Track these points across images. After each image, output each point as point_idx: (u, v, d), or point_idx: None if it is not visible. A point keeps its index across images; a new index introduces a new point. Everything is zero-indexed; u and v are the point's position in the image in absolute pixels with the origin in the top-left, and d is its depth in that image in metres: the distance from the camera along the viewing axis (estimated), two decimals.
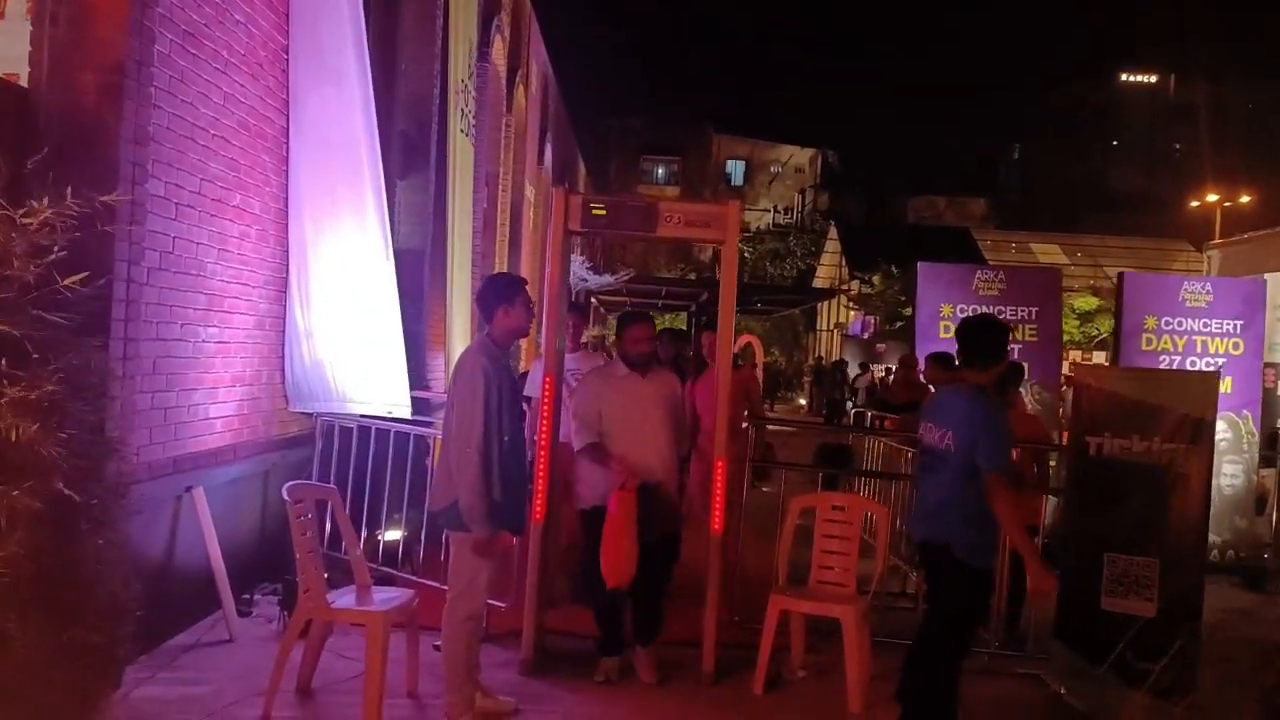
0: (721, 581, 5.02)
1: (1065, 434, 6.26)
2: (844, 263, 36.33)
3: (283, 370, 6.48)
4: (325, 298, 6.38)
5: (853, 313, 33.68)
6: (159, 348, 4.87)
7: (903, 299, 29.02)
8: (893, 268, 29.61)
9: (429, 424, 6.57)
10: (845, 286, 33.15)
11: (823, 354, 34.56)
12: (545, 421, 5.01)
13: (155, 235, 4.75)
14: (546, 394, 5.02)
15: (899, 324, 28.69)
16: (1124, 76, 68.73)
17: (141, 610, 3.92)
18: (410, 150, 9.30)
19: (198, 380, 5.32)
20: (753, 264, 41.16)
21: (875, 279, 31.07)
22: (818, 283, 38.26)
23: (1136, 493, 5.10)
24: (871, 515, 5.51)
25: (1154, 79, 68.74)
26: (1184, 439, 5.03)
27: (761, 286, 31.83)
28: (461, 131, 10.65)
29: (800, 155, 54.92)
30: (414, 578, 5.98)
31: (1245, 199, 26.98)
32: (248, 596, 5.79)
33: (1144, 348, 8.69)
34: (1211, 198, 27.86)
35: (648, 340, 5.10)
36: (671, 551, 5.18)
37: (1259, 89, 57.52)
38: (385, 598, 4.41)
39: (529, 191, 17.37)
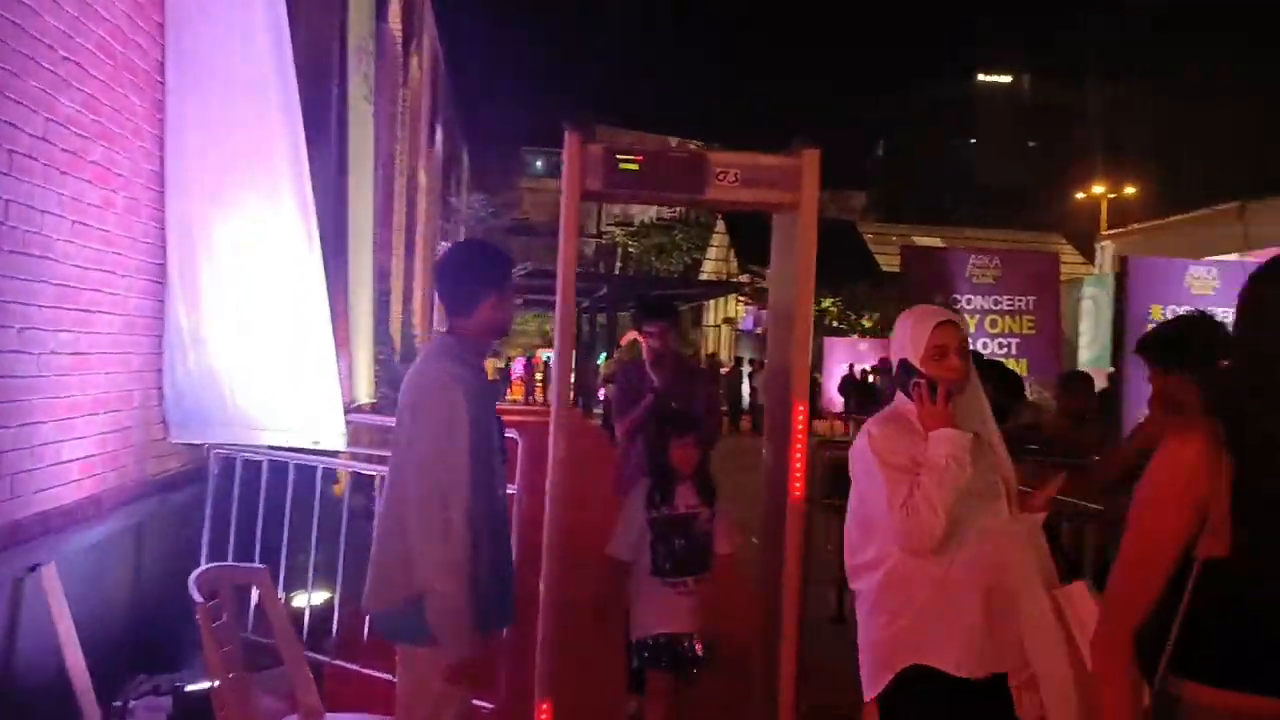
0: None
1: None
2: (731, 256, 35.53)
3: (159, 388, 4.86)
4: (220, 292, 4.77)
5: (744, 307, 32.96)
6: None
7: None
8: None
9: (367, 456, 5.04)
10: (741, 280, 32.35)
11: (714, 350, 33.65)
12: None
13: None
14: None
15: None
16: (981, 76, 71.15)
17: None
18: (309, 112, 7.64)
19: (46, 408, 3.70)
20: (638, 258, 40.06)
21: (769, 273, 30.38)
22: (705, 276, 37.41)
23: None
24: None
25: (1009, 79, 71.44)
26: None
27: (658, 279, 30.92)
28: (364, 97, 9.07)
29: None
30: (354, 666, 4.48)
31: (1130, 190, 27.50)
32: (119, 704, 4.17)
33: None
34: (1098, 189, 28.29)
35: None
36: None
37: (1108, 90, 60.49)
38: None
39: (421, 177, 15.66)
